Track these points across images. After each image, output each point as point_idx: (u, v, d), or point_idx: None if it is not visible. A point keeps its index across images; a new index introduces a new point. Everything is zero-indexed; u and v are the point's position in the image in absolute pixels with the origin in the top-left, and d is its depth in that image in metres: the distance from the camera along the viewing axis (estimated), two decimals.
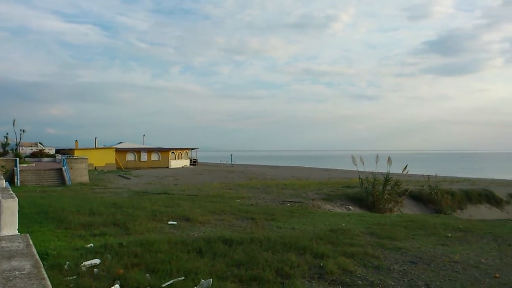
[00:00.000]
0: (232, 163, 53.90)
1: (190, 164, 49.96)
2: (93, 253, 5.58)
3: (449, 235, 7.65)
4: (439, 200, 15.63)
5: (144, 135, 54.64)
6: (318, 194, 14.92)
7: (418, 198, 16.41)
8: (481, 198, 18.22)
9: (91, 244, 6.12)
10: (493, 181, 24.96)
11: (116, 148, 43.08)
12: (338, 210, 12.87)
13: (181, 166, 45.77)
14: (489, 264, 5.68)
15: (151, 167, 41.95)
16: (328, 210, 12.33)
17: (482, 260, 5.87)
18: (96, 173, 30.40)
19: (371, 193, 14.19)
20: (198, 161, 54.48)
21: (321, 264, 5.32)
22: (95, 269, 4.86)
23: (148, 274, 4.72)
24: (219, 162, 61.64)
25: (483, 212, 17.00)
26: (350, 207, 13.67)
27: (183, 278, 4.63)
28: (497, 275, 5.16)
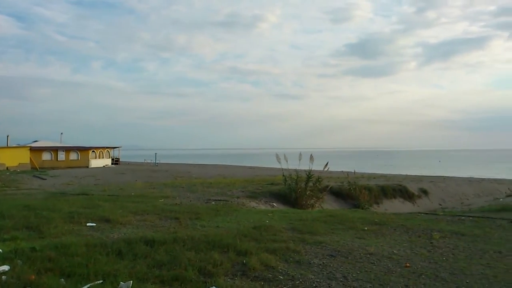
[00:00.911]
0: (157, 162, 52.79)
1: (112, 164, 48.27)
2: (1, 260, 5.19)
3: (366, 228, 8.04)
4: (357, 195, 16.41)
5: (62, 133, 52.03)
6: (243, 192, 15.04)
7: (338, 193, 17.10)
8: (396, 193, 19.38)
9: (0, 250, 5.69)
10: (407, 177, 26.63)
11: (31, 147, 40.53)
12: (262, 207, 13.05)
13: (102, 166, 44.07)
14: (401, 255, 6.04)
15: (70, 167, 39.98)
16: (253, 207, 12.46)
17: (394, 251, 6.22)
18: (8, 173, 28.39)
19: (294, 190, 14.56)
20: (120, 160, 52.71)
21: (244, 261, 5.35)
22: (3, 276, 4.51)
23: (63, 279, 4.48)
24: (143, 161, 60.10)
25: (397, 206, 18.09)
26: (274, 204, 13.93)
27: (101, 281, 4.43)
28: (408, 265, 5.50)
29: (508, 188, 20.90)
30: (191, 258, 5.33)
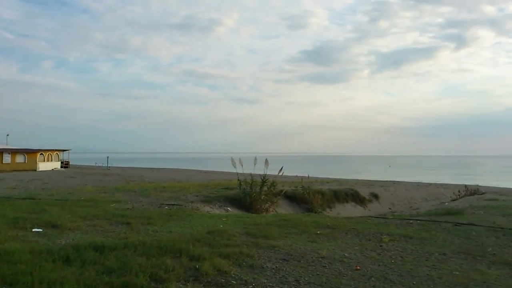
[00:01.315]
0: (109, 165, 51.47)
1: (61, 167, 46.60)
2: None
3: (318, 232, 8.16)
4: (311, 199, 16.64)
5: (8, 135, 49.65)
6: (197, 196, 14.90)
7: (293, 198, 17.26)
8: (348, 197, 19.80)
9: None
10: (358, 182, 27.28)
11: None
12: (217, 211, 12.97)
13: (50, 169, 42.45)
14: (352, 258, 6.17)
15: (16, 170, 38.24)
16: (207, 212, 12.36)
17: (346, 254, 6.35)
18: None
19: (249, 194, 14.57)
20: (70, 163, 51.02)
21: (197, 266, 5.29)
22: None
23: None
24: (94, 164, 58.46)
25: (349, 210, 18.48)
26: (229, 208, 13.88)
27: None
28: (358, 267, 5.62)
29: (453, 193, 21.77)
30: (142, 264, 5.22)
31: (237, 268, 5.36)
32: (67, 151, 51.10)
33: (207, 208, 13.01)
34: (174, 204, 12.72)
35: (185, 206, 12.55)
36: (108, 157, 55.92)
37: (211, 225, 8.68)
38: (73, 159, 56.56)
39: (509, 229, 8.79)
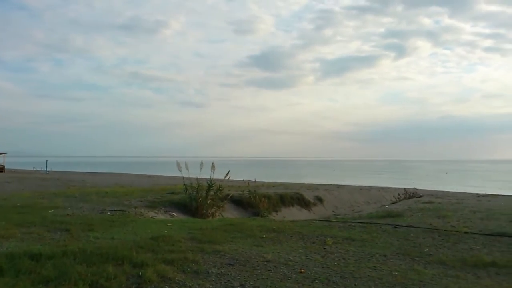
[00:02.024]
0: (48, 170, 49.27)
1: None
2: None
3: (264, 236, 8.20)
4: (257, 203, 16.71)
5: None
6: (141, 201, 14.55)
7: (239, 202, 17.25)
8: (293, 200, 20.05)
9: None
10: (303, 185, 27.70)
11: None
12: (161, 217, 12.73)
13: None
14: (296, 261, 6.24)
15: None
16: (151, 217, 12.10)
17: (290, 258, 6.42)
18: None
19: (194, 199, 14.41)
20: (6, 167, 48.42)
21: (140, 273, 5.16)
22: None
23: None
24: (32, 168, 55.75)
25: (295, 213, 18.72)
26: (174, 213, 13.66)
27: None
28: (303, 270, 5.70)
29: (393, 196, 22.61)
30: (82, 272, 5.01)
31: (182, 274, 5.27)
32: (2, 155, 48.53)
33: (151, 214, 12.74)
34: (116, 210, 12.36)
35: (129, 212, 12.23)
36: (47, 161, 53.52)
37: (155, 231, 8.50)
38: (9, 163, 53.71)
39: (444, 230, 9.24)
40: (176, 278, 5.07)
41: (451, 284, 5.28)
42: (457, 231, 9.03)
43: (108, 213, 11.75)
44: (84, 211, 11.87)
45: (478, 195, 21.01)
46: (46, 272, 5.02)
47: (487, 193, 23.53)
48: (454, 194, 24.07)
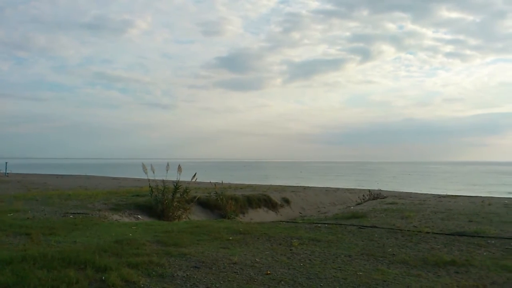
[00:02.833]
0: (7, 172, 47.56)
1: None
2: None
3: (231, 238, 8.18)
4: (224, 205, 16.64)
5: None
6: (105, 204, 14.24)
7: (206, 204, 17.13)
8: (260, 202, 20.07)
9: None
10: (271, 187, 27.82)
11: None
12: (126, 220, 12.51)
13: None
14: (263, 263, 6.26)
15: None
16: (116, 220, 11.87)
17: (257, 260, 6.42)
18: None
19: (160, 201, 14.22)
20: None
21: (103, 277, 5.05)
22: None
23: None
24: None
25: (262, 215, 18.76)
26: (139, 216, 13.44)
27: None
28: (269, 272, 5.71)
29: (358, 197, 23.00)
30: (42, 278, 4.86)
31: (146, 278, 5.19)
32: None
33: (115, 217, 12.49)
34: (79, 213, 12.06)
35: (92, 215, 11.95)
36: (6, 162, 51.60)
37: (119, 234, 8.34)
38: None
39: (407, 230, 9.47)
40: (141, 282, 4.99)
41: (413, 283, 5.40)
42: (419, 231, 9.27)
43: (71, 216, 11.45)
44: (45, 215, 11.53)
45: (439, 196, 21.65)
46: (3, 278, 4.84)
47: (447, 194, 24.26)
48: (417, 195, 24.71)
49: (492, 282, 5.58)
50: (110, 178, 41.99)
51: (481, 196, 22.96)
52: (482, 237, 8.70)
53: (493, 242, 8.25)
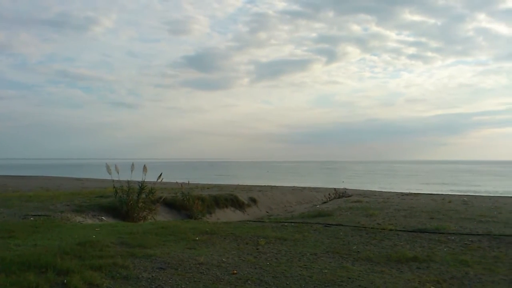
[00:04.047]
0: None
1: None
2: None
3: (197, 238, 8.12)
4: (191, 206, 16.51)
5: None
6: (68, 205, 13.88)
7: (172, 205, 16.96)
8: (227, 202, 20.03)
9: None
10: (238, 187, 27.82)
11: None
12: (90, 221, 12.24)
13: None
14: (229, 262, 6.24)
15: None
16: (79, 222, 11.59)
17: (223, 259, 6.40)
18: None
19: (125, 202, 13.97)
20: None
21: (65, 281, 4.92)
22: None
23: None
24: None
25: (229, 215, 18.73)
26: (103, 217, 13.18)
27: None
28: (235, 272, 5.71)
29: (324, 196, 23.32)
30: (1, 282, 4.69)
31: (110, 280, 5.09)
32: None
33: (78, 218, 12.20)
34: (41, 215, 11.70)
35: (54, 217, 11.63)
36: None
37: (82, 236, 8.14)
38: None
39: (371, 228, 9.65)
40: (104, 285, 4.89)
41: (377, 279, 5.52)
42: (383, 229, 9.47)
43: (31, 218, 11.11)
44: (4, 217, 11.14)
45: (402, 194, 22.20)
46: None
47: (410, 192, 24.89)
48: (381, 193, 25.28)
49: (452, 276, 5.77)
50: (73, 179, 40.99)
51: (441, 194, 23.71)
52: (443, 233, 8.98)
53: (452, 238, 8.53)
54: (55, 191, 21.14)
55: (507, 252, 7.32)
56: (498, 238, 8.51)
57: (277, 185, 33.83)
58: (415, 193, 22.97)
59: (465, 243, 8.03)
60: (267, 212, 20.72)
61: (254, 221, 12.10)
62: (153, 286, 4.98)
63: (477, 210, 13.09)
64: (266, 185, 32.89)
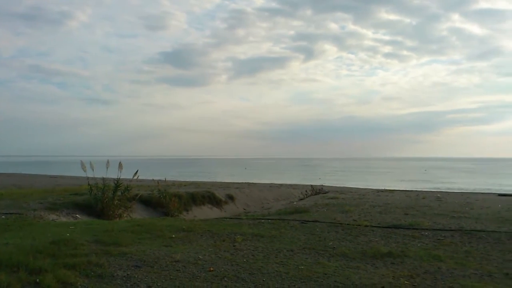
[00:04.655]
0: None
1: None
2: None
3: (173, 236, 8.06)
4: (167, 203, 16.37)
5: None
6: (41, 203, 13.59)
7: (148, 202, 16.78)
8: (204, 199, 19.94)
9: None
10: (215, 184, 27.77)
11: None
12: (64, 219, 12.01)
13: None
14: (206, 260, 6.22)
15: None
16: (52, 220, 11.36)
17: (200, 257, 6.38)
18: None
19: (100, 200, 13.76)
20: None
21: (38, 280, 4.82)
22: None
23: None
24: None
25: (206, 212, 18.65)
26: (78, 215, 12.95)
27: None
28: (212, 269, 5.69)
29: (301, 192, 23.46)
30: None
31: (84, 279, 5.01)
32: None
33: (52, 216, 11.96)
34: (12, 213, 11.43)
35: (26, 215, 11.36)
36: None
37: (56, 234, 7.98)
38: None
39: (347, 224, 9.76)
40: (78, 283, 4.82)
41: (352, 275, 5.58)
42: (358, 225, 9.60)
43: (3, 216, 10.84)
44: None
45: (377, 191, 22.51)
46: None
47: (385, 188, 25.25)
48: (357, 190, 25.55)
49: (425, 271, 5.88)
50: (47, 177, 40.20)
51: (416, 190, 24.15)
52: (417, 229, 9.15)
53: (426, 233, 8.70)
54: (28, 189, 20.68)
55: (478, 247, 7.52)
56: (470, 233, 8.72)
57: (254, 182, 33.86)
58: (390, 190, 23.33)
59: (438, 239, 8.20)
60: (244, 209, 20.71)
61: (231, 218, 12.09)
62: (129, 284, 4.93)
63: (450, 206, 13.39)
64: (244, 182, 32.89)
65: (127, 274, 5.29)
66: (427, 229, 9.17)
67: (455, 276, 5.65)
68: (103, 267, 5.54)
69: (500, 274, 5.81)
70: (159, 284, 4.96)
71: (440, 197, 17.07)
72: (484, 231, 8.93)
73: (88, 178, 14.00)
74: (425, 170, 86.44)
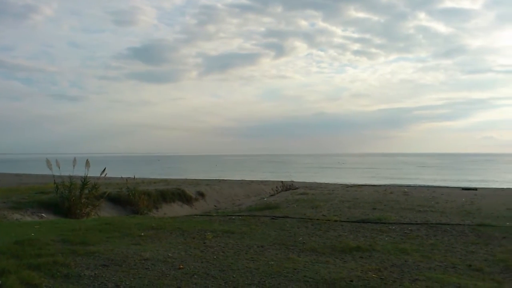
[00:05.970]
0: None
1: None
2: None
3: (142, 234, 7.96)
4: (137, 201, 16.17)
5: None
6: (5, 202, 13.19)
7: (117, 200, 16.53)
8: (174, 196, 19.78)
9: None
10: (185, 181, 27.57)
11: None
12: (29, 219, 11.69)
13: None
14: (176, 257, 6.17)
15: None
16: (16, 219, 11.06)
17: (170, 254, 6.32)
18: None
19: (67, 198, 13.46)
20: None
21: (0, 282, 4.66)
22: None
23: None
24: None
25: (176, 209, 18.51)
26: (43, 214, 12.63)
27: None
28: (181, 266, 5.64)
29: (272, 189, 23.60)
30: None
31: (50, 280, 4.88)
32: None
33: (16, 216, 11.63)
34: None
35: None
36: None
37: (20, 234, 7.74)
38: None
39: (317, 219, 9.87)
40: (44, 284, 4.68)
41: (322, 270, 5.64)
42: (328, 220, 9.72)
43: None
44: None
45: (346, 186, 22.88)
46: None
47: (354, 183, 25.65)
48: (326, 185, 25.89)
49: (392, 264, 6.00)
50: (11, 175, 39.04)
51: (384, 185, 24.65)
52: (384, 223, 9.34)
53: (393, 227, 8.88)
54: None
55: (442, 240, 7.74)
56: (435, 226, 8.96)
57: (225, 178, 33.82)
58: (358, 185, 23.74)
59: (405, 232, 8.39)
60: (215, 206, 20.66)
61: (202, 215, 12.04)
62: (96, 284, 4.83)
63: (416, 200, 13.72)
64: (214, 178, 32.80)
65: (95, 274, 5.19)
66: (394, 223, 9.36)
67: (421, 269, 5.79)
68: (70, 267, 5.41)
69: (463, 265, 5.99)
70: (127, 283, 4.88)
71: (407, 191, 17.48)
72: (448, 224, 9.20)
73: (54, 176, 13.66)
74: (392, 166, 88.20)
